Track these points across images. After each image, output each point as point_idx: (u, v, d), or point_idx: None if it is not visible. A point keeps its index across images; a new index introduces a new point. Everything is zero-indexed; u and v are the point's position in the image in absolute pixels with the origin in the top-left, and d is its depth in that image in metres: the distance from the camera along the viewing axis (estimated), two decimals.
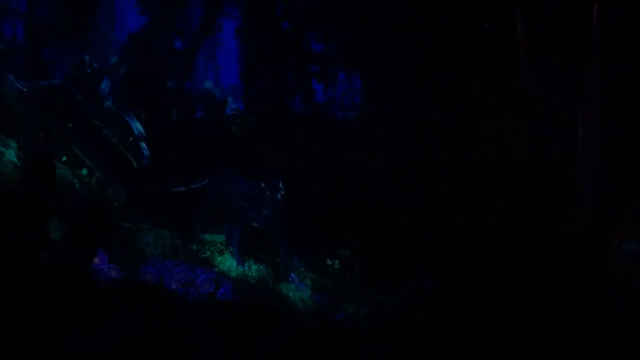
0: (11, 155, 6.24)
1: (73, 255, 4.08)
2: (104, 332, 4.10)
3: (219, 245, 6.55)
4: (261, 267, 6.46)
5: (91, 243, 4.18)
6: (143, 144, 6.12)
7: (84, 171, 6.50)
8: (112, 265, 5.81)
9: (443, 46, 6.97)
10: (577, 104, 5.48)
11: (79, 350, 3.99)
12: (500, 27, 6.47)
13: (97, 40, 11.07)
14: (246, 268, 6.34)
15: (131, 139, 6.07)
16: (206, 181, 6.65)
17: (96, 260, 5.87)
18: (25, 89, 6.23)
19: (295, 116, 9.63)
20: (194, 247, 6.48)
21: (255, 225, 6.54)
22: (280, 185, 6.56)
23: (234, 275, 6.25)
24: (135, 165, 6.09)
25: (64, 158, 6.33)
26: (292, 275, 6.57)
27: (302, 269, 6.70)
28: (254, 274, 6.38)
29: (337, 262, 6.83)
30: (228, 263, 6.37)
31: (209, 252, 6.45)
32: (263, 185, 6.48)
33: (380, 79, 8.03)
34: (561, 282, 4.68)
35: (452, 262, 5.87)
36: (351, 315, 6.35)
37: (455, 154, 6.43)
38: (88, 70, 8.17)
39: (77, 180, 6.34)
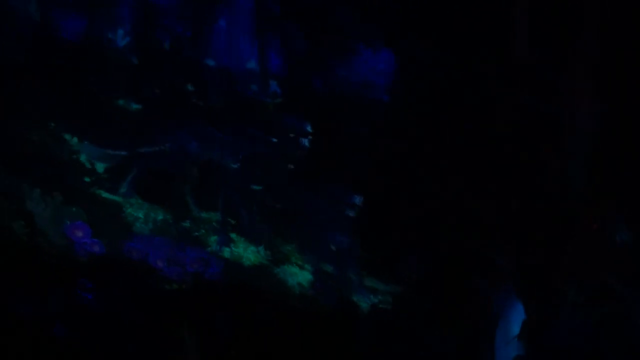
0: None
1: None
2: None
3: (214, 223, 6.15)
4: (259, 248, 6.06)
5: None
6: None
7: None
8: (95, 240, 5.49)
9: None
10: (567, 74, 4.96)
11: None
12: None
13: None
14: (240, 249, 5.94)
15: None
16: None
17: (79, 233, 5.57)
18: None
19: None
20: (187, 225, 6.09)
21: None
22: (309, 128, 6.10)
23: (228, 256, 5.86)
24: None
25: None
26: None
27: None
28: (249, 256, 5.97)
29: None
30: None
31: (203, 230, 6.05)
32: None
33: None
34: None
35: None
36: (349, 301, 5.96)
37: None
38: None
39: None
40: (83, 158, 6.01)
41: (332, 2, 8.31)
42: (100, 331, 4.79)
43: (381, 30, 7.77)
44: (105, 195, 5.86)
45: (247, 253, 6.00)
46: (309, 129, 6.41)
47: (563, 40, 5.27)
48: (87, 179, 5.93)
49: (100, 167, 6.01)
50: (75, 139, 6.05)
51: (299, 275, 5.99)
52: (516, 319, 3.97)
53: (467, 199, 5.26)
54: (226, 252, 5.89)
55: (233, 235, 5.99)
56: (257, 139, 6.35)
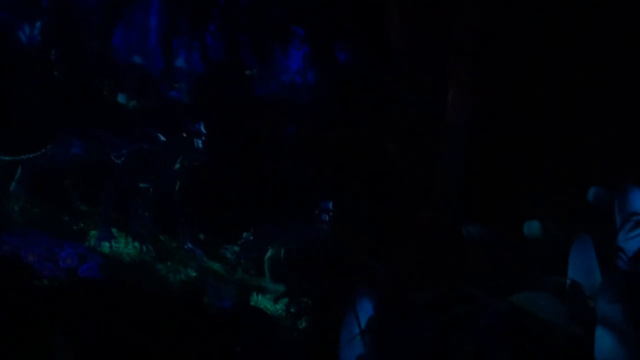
0: None
1: None
2: None
3: (95, 217, 5.98)
4: (142, 244, 5.89)
5: None
6: None
7: None
8: None
9: None
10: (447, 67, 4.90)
11: None
12: None
13: None
14: (121, 245, 5.78)
15: None
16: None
17: None
18: None
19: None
20: (66, 218, 5.92)
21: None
22: (202, 128, 5.98)
23: (107, 252, 5.68)
24: None
25: None
26: (188, 243, 6.05)
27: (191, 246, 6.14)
28: (130, 251, 5.81)
29: (235, 247, 6.28)
30: None
31: (82, 224, 5.88)
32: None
33: None
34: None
35: None
36: (240, 304, 5.83)
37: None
38: None
39: None
40: None
41: (255, 2, 8.24)
42: None
43: (302, 31, 7.71)
44: None
45: (128, 249, 5.84)
46: (202, 129, 6.28)
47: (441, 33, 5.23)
48: None
49: None
50: None
51: (182, 273, 5.85)
52: (362, 318, 3.89)
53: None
54: (105, 248, 5.72)
55: (114, 231, 5.85)
56: (147, 138, 6.22)
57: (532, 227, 4.27)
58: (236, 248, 6.17)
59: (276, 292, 5.62)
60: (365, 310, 3.94)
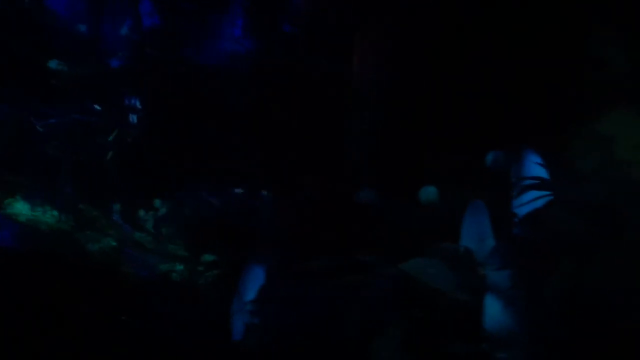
0: None
1: None
2: None
3: (10, 185, 5.85)
4: (61, 213, 5.78)
5: None
6: None
7: None
8: None
9: None
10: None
11: None
12: None
13: None
14: (39, 213, 5.66)
15: None
16: None
17: None
18: None
19: None
20: None
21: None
22: (138, 103, 5.88)
23: (23, 220, 5.58)
24: None
25: None
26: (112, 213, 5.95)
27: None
28: (48, 220, 5.70)
29: (154, 216, 6.16)
30: (19, 205, 5.68)
31: None
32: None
33: None
34: None
35: None
36: (163, 273, 5.76)
37: None
38: None
39: None
40: None
41: None
42: None
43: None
44: None
45: (46, 217, 5.73)
46: (137, 104, 6.18)
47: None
48: None
49: None
50: None
51: (102, 242, 5.75)
52: (254, 285, 3.84)
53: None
54: (22, 216, 5.61)
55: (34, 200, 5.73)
56: (79, 108, 6.12)
57: (428, 193, 4.21)
58: (154, 217, 6.07)
59: (194, 261, 5.55)
60: (259, 278, 3.87)
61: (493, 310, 3.64)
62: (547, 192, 3.83)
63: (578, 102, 4.22)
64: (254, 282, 3.86)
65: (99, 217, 6.04)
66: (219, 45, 8.10)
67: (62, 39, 8.08)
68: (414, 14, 4.64)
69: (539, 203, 3.83)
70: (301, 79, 5.26)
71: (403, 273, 3.72)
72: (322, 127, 4.85)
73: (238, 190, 5.51)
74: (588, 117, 4.16)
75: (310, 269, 3.86)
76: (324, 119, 4.90)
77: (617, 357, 3.48)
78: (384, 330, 3.69)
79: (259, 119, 5.50)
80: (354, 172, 4.53)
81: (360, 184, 4.42)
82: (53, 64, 7.66)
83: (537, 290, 3.59)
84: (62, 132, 6.02)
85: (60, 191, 5.92)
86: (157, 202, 6.17)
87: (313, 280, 3.84)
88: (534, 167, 4.03)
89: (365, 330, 3.70)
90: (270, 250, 4.16)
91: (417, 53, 4.65)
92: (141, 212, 6.18)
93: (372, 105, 4.72)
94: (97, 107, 6.19)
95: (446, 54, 4.54)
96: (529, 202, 3.88)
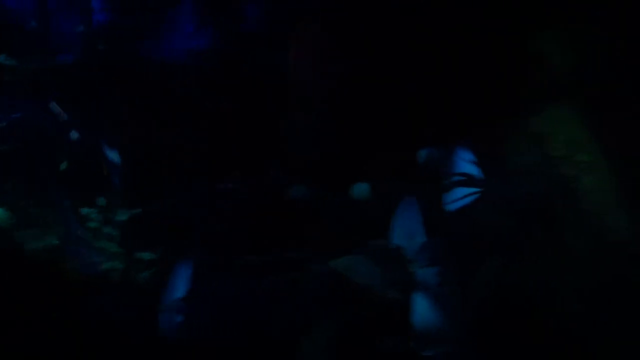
0: None
1: None
2: None
3: None
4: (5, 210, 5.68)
5: None
6: None
7: None
8: None
9: None
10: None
11: None
12: None
13: None
14: None
15: None
16: None
17: None
18: None
19: None
20: None
21: None
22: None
23: None
24: None
25: None
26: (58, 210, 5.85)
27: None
28: None
29: (95, 211, 6.07)
30: None
31: None
32: None
33: None
34: None
35: None
36: (104, 272, 5.67)
37: None
38: None
39: None
40: None
41: None
42: None
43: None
44: None
45: None
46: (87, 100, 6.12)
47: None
48: None
49: None
50: None
51: (45, 240, 5.65)
52: (182, 283, 3.79)
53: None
54: None
55: None
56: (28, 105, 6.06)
57: (361, 190, 4.17)
58: (99, 214, 5.99)
59: (133, 259, 5.49)
60: (187, 275, 3.82)
61: (421, 308, 3.62)
62: (478, 189, 3.82)
63: (514, 99, 4.21)
64: (183, 279, 3.80)
65: (44, 214, 5.95)
66: (171, 41, 8.03)
67: (11, 32, 7.96)
68: (350, 10, 4.60)
69: (469, 200, 3.82)
70: (239, 74, 5.22)
71: (332, 270, 3.69)
72: (257, 122, 4.81)
73: (176, 186, 5.45)
74: (523, 114, 4.15)
75: (239, 266, 3.81)
76: (259, 114, 4.86)
77: (542, 353, 3.48)
78: (312, 328, 3.65)
79: (196, 113, 5.44)
80: (286, 167, 4.48)
81: (293, 179, 4.38)
82: (1, 58, 7.55)
83: (464, 287, 3.57)
84: (8, 128, 5.93)
85: (4, 188, 5.83)
86: (101, 200, 6.09)
87: (242, 278, 3.79)
88: (467, 164, 4.01)
89: (294, 329, 3.66)
90: (201, 247, 4.11)
91: (352, 49, 4.62)
92: (85, 210, 6.09)
93: (307, 101, 4.68)
94: (45, 102, 6.10)
95: (382, 49, 4.51)
96: (459, 199, 3.87)
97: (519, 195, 3.84)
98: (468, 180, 3.90)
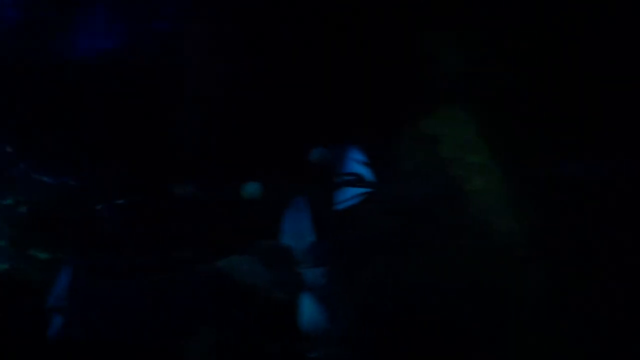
0: None
1: None
2: None
3: None
4: None
5: None
6: None
7: None
8: None
9: None
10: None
11: None
12: None
13: None
14: None
15: None
16: None
17: None
18: None
19: None
20: None
21: None
22: None
23: None
24: None
25: None
26: None
27: None
28: None
29: None
30: None
31: None
32: None
33: None
34: None
35: None
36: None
37: None
38: None
39: None
40: None
41: None
42: None
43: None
44: None
45: None
46: None
47: None
48: None
49: None
50: None
51: None
52: (64, 283, 3.68)
53: None
54: None
55: None
56: None
57: (251, 189, 4.13)
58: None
59: (28, 259, 5.30)
60: (70, 276, 3.70)
61: (308, 309, 3.60)
62: (366, 190, 3.83)
63: (405, 100, 4.23)
64: (66, 280, 3.69)
65: None
66: (81, 40, 7.80)
67: None
68: (245, 11, 4.55)
69: (358, 200, 3.82)
70: (135, 73, 5.08)
71: (217, 270, 3.64)
72: (147, 120, 4.70)
73: (70, 185, 5.30)
74: (415, 115, 4.17)
75: (123, 267, 3.71)
76: (151, 112, 4.75)
77: (425, 352, 3.51)
78: (196, 329, 3.59)
79: (94, 113, 5.28)
80: (175, 165, 4.40)
81: (181, 177, 4.30)
82: None
83: (350, 288, 3.57)
84: None
85: None
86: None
87: (125, 279, 3.69)
88: (357, 164, 4.01)
89: (177, 330, 3.59)
90: (84, 247, 3.99)
91: (244, 48, 4.57)
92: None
93: (198, 100, 4.61)
94: None
95: (274, 48, 4.47)
96: (349, 199, 3.87)
97: (408, 196, 3.86)
98: (358, 181, 3.90)
